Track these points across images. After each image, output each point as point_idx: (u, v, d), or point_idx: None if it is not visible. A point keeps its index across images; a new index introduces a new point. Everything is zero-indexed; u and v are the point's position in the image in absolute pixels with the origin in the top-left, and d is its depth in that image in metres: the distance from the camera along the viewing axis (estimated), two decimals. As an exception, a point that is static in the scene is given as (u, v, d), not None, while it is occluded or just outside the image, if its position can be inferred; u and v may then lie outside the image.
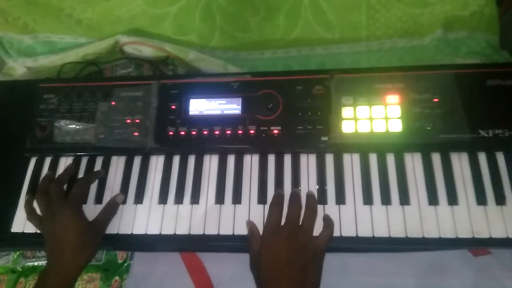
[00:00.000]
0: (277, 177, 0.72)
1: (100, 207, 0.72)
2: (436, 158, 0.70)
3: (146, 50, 0.96)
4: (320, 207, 0.67)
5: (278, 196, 0.68)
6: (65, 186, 0.73)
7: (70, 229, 0.65)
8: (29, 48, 0.99)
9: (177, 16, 0.93)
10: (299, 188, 0.70)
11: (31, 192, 0.75)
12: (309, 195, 0.68)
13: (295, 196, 0.67)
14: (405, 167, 0.70)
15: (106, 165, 0.76)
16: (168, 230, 0.70)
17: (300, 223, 0.64)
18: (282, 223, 0.64)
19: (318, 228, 0.65)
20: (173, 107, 0.77)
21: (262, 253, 0.61)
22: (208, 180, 0.73)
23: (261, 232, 0.65)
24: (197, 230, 0.69)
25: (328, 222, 0.66)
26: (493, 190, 0.66)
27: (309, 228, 0.63)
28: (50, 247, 0.66)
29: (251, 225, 0.67)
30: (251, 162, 0.74)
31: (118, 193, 0.73)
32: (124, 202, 0.73)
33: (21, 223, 0.74)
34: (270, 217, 0.65)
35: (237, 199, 0.71)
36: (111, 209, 0.71)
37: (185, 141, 0.75)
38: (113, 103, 0.79)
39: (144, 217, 0.71)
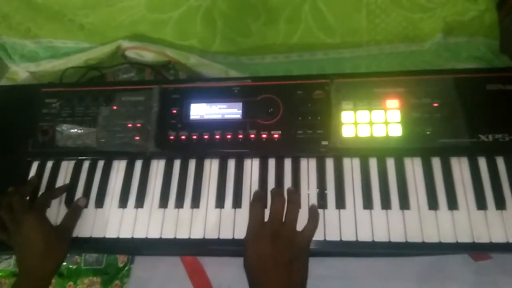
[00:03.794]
0: (277, 181, 0.72)
1: (100, 211, 0.73)
2: (436, 162, 0.70)
3: (148, 55, 0.96)
4: (320, 211, 0.68)
5: (258, 194, 0.69)
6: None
7: (36, 235, 0.65)
8: (32, 52, 1.00)
9: (179, 21, 0.93)
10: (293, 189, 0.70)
11: None
12: (290, 190, 0.68)
13: (277, 193, 0.67)
14: (405, 172, 0.70)
15: (107, 169, 0.77)
16: (168, 234, 0.70)
17: (284, 219, 0.63)
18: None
19: (303, 222, 0.64)
20: (174, 111, 0.78)
21: (248, 252, 0.61)
22: (208, 184, 0.73)
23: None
24: (197, 234, 0.69)
25: (313, 214, 0.65)
26: (493, 195, 0.66)
27: (292, 223, 0.63)
28: (19, 256, 0.67)
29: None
30: (251, 166, 0.74)
31: (80, 197, 0.74)
32: (86, 205, 0.74)
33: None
34: (251, 215, 0.65)
35: (237, 203, 0.71)
36: (75, 213, 0.72)
37: (185, 145, 0.75)
38: (115, 107, 0.80)
39: (144, 221, 0.72)
